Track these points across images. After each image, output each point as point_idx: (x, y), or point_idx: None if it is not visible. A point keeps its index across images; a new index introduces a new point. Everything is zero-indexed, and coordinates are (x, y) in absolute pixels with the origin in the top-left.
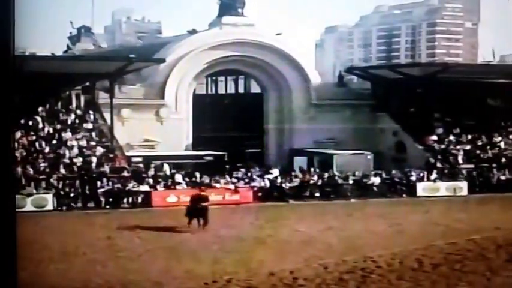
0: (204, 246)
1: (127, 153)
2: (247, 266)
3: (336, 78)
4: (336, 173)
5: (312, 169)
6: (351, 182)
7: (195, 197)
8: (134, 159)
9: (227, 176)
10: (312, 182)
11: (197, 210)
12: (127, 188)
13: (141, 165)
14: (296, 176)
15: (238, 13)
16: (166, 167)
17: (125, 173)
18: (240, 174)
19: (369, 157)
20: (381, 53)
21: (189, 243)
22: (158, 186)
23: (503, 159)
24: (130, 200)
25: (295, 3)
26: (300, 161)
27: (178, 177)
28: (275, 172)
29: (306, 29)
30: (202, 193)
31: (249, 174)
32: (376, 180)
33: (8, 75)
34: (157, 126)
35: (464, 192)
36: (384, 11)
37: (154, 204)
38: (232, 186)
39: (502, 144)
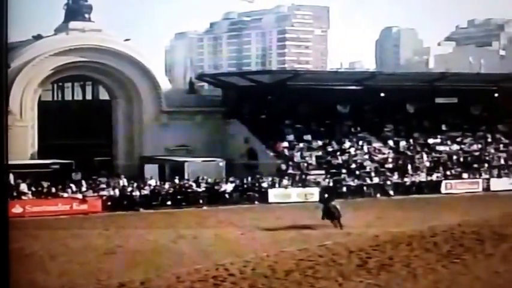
0: (51, 258)
1: None
2: (96, 277)
3: (187, 85)
4: (187, 180)
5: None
6: (202, 189)
7: None
8: None
9: (74, 185)
10: (163, 189)
11: None
12: None
13: None
14: (146, 184)
15: (85, 18)
16: (10, 177)
17: None
18: (88, 183)
19: (221, 164)
20: (232, 60)
21: (36, 254)
22: None
23: (353, 165)
24: None
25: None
26: (150, 169)
27: (24, 187)
28: (124, 180)
29: (155, 35)
30: None
31: (97, 182)
32: (228, 187)
33: None
34: None
35: (315, 198)
36: (233, 17)
37: None
38: (79, 196)
39: (352, 150)
